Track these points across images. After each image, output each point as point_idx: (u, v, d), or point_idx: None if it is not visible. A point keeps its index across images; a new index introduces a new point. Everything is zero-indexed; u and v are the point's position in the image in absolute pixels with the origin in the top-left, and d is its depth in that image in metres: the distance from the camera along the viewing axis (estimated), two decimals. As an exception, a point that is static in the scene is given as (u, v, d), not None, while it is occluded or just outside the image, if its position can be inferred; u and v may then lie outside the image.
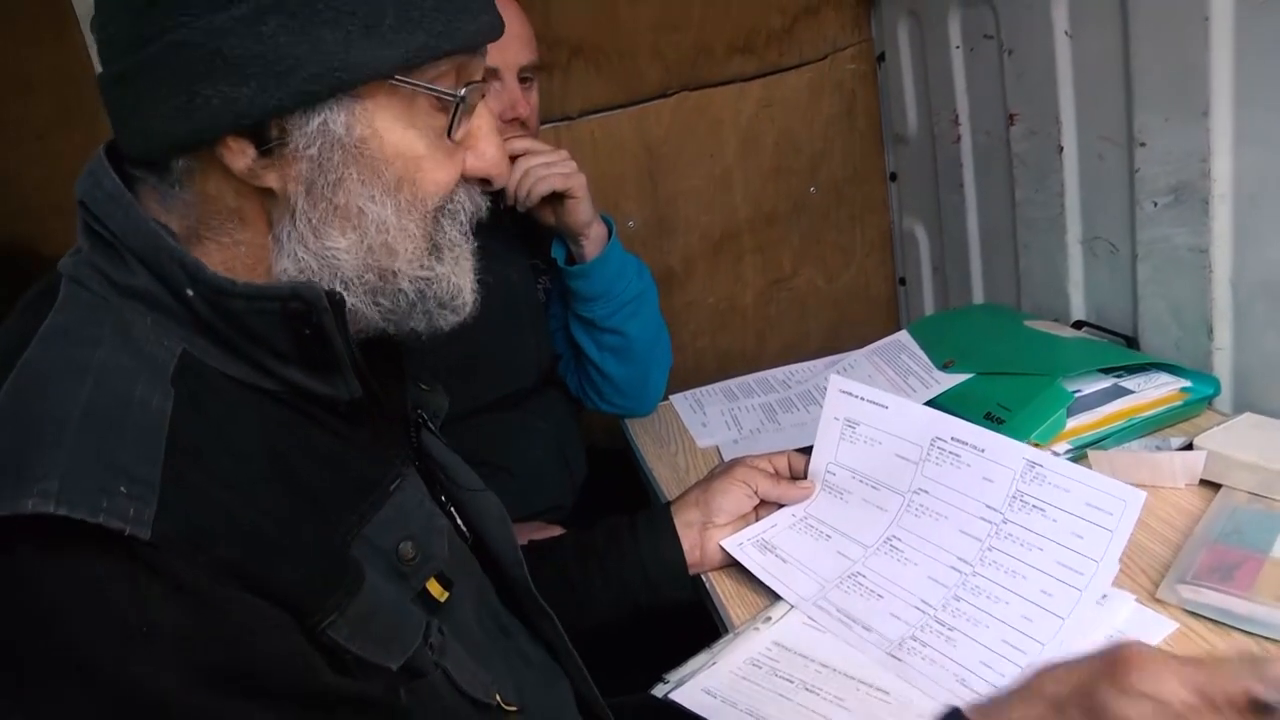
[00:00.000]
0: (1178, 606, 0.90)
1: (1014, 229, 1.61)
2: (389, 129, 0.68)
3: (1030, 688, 0.66)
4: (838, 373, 1.52)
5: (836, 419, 1.11)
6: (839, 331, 2.13)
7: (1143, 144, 1.25)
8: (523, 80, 1.36)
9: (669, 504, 1.12)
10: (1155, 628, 0.88)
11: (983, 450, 0.98)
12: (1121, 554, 0.87)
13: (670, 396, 1.60)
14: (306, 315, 0.66)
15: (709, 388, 1.62)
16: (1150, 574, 0.95)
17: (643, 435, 1.51)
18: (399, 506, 0.74)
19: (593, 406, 1.56)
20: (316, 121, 0.65)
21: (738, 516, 1.10)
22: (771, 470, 1.13)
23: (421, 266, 0.72)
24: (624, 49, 1.87)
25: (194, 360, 0.66)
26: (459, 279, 0.75)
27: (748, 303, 2.10)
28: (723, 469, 1.13)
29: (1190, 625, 0.87)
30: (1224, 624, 0.86)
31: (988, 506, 0.96)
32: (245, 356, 0.68)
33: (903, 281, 2.12)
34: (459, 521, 0.86)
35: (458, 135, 0.71)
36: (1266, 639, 0.84)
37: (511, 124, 1.34)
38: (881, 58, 1.95)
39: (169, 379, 0.63)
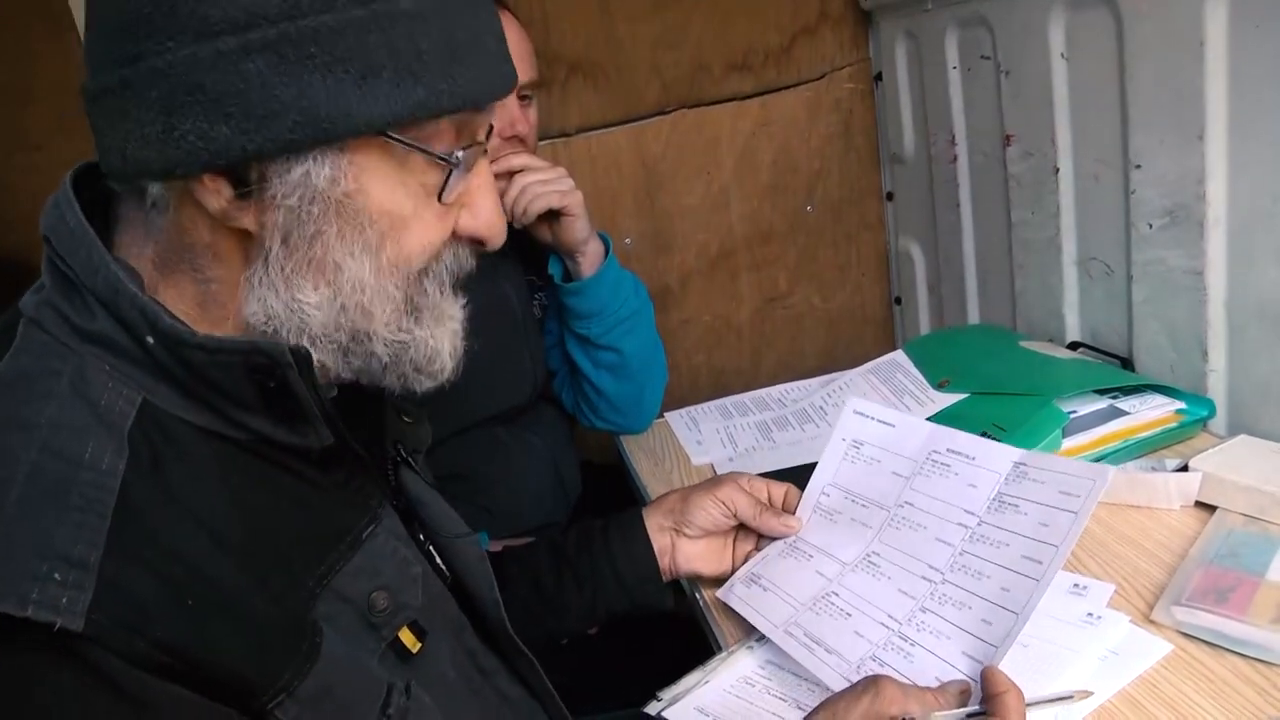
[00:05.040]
0: (1173, 628, 0.89)
1: (1010, 249, 1.61)
2: (377, 185, 0.64)
3: None
4: (836, 390, 1.52)
5: (844, 439, 1.09)
6: (834, 350, 2.13)
7: (1138, 166, 1.26)
8: (521, 98, 1.36)
9: (642, 507, 1.10)
10: (1150, 649, 0.87)
11: (973, 458, 0.97)
12: (1079, 536, 0.83)
13: (665, 414, 1.60)
14: (270, 370, 0.64)
15: (704, 405, 1.62)
16: (1145, 595, 0.95)
17: (638, 452, 1.51)
18: (372, 554, 0.73)
19: (588, 423, 1.56)
20: (298, 171, 0.61)
21: (708, 533, 1.07)
22: (759, 496, 1.08)
23: (399, 329, 0.68)
24: (622, 66, 1.88)
25: (154, 410, 0.63)
26: (438, 342, 0.71)
27: (743, 320, 2.10)
28: (709, 482, 1.09)
29: (1185, 647, 0.87)
30: (1219, 646, 0.86)
31: (966, 512, 0.93)
32: (208, 405, 0.65)
33: (898, 301, 2.12)
34: (438, 561, 0.83)
35: (449, 199, 0.67)
36: (1261, 661, 0.83)
37: (510, 141, 1.35)
38: (879, 77, 1.96)
39: (125, 433, 0.61)
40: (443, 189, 0.67)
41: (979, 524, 0.92)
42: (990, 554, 0.89)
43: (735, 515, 1.06)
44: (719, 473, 1.36)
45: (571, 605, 1.05)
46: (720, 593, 1.05)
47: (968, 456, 0.97)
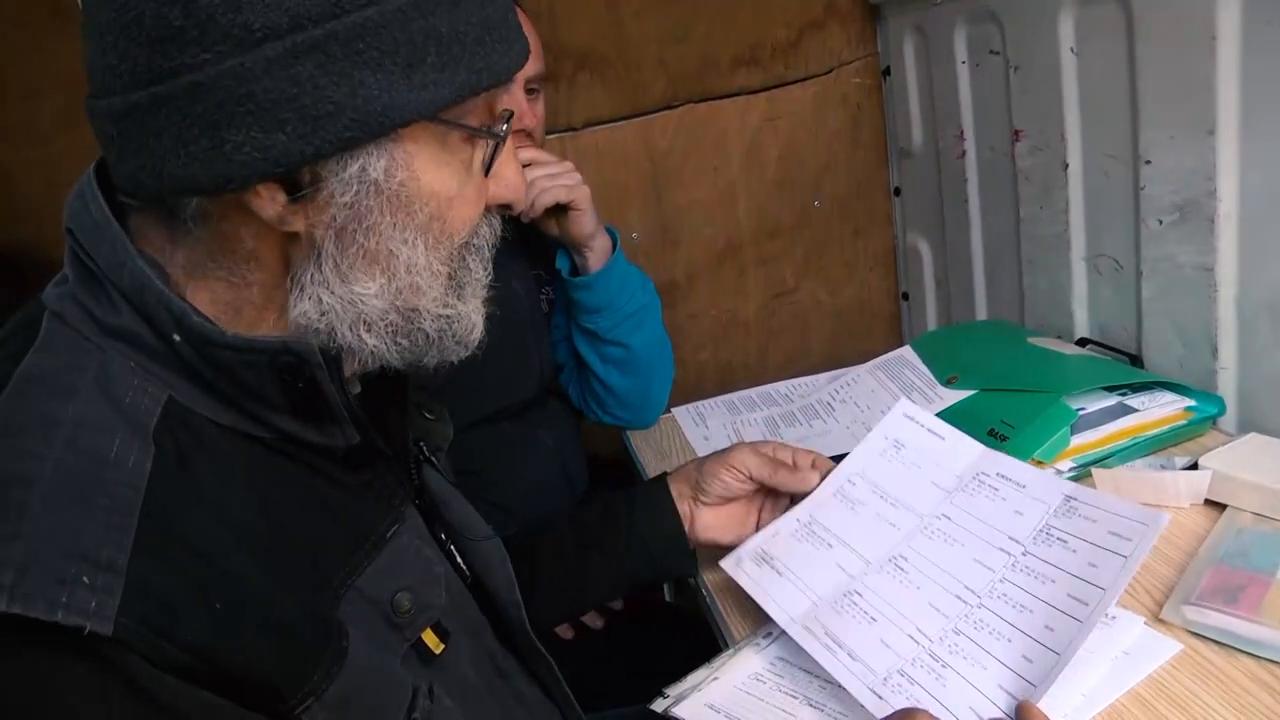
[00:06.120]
0: (1182, 628, 0.89)
1: (1018, 245, 1.61)
2: (426, 169, 0.64)
3: None
4: (844, 386, 1.52)
5: (886, 437, 1.08)
6: (841, 346, 2.13)
7: (1148, 161, 1.25)
8: (529, 91, 1.36)
9: (664, 475, 1.09)
10: (1159, 648, 0.87)
11: (1023, 485, 0.96)
12: (1129, 581, 0.84)
13: (672, 409, 1.60)
14: (298, 369, 0.63)
15: (711, 401, 1.62)
16: (1154, 594, 0.94)
17: (644, 447, 1.51)
18: (396, 554, 0.72)
19: (594, 418, 1.56)
20: (355, 167, 0.61)
21: (725, 500, 1.06)
22: (770, 455, 1.06)
23: (445, 305, 0.69)
24: (629, 61, 1.87)
25: (179, 408, 0.63)
26: (475, 316, 0.73)
27: (750, 316, 2.10)
28: (723, 450, 1.07)
29: (1195, 647, 0.87)
30: (1229, 646, 0.86)
31: (1010, 538, 0.92)
32: (234, 404, 0.65)
33: (906, 296, 2.12)
34: (459, 560, 0.83)
35: (493, 170, 0.70)
36: (1271, 661, 0.83)
37: (517, 135, 1.34)
38: (887, 72, 1.95)
39: (150, 431, 0.60)
40: (490, 162, 0.69)
41: (1023, 553, 0.91)
42: (1034, 587, 0.87)
43: (749, 478, 1.05)
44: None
45: (598, 577, 1.05)
46: (725, 563, 1.04)
47: (1018, 483, 0.97)
